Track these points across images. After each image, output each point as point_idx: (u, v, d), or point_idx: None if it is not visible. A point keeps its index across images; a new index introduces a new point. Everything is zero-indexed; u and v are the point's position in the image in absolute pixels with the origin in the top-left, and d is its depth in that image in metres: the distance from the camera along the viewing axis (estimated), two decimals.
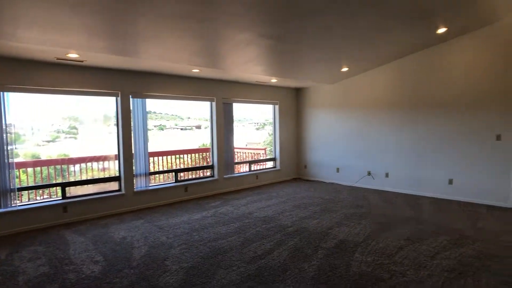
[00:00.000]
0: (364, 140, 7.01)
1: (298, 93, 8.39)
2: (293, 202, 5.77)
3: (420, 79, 6.08)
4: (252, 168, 7.76)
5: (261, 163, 8.31)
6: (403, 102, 6.35)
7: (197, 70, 5.60)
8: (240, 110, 8.37)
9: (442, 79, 5.82)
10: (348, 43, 5.01)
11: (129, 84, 5.43)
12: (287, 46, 4.81)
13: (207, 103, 6.73)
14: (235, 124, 7.26)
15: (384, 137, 6.67)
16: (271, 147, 8.37)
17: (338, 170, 7.55)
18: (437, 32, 5.07)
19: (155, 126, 10.69)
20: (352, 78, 7.15)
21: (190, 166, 7.49)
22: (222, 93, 6.80)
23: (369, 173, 6.98)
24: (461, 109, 5.62)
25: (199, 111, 9.98)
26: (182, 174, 6.52)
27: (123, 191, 5.42)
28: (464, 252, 3.46)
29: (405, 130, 6.34)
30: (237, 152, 9.43)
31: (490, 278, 2.90)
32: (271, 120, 8.21)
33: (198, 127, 14.23)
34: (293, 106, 8.40)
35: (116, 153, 5.52)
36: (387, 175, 6.68)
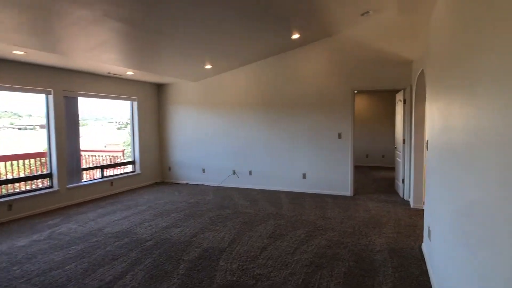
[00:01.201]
0: (230, 139, 7.00)
1: (160, 89, 7.74)
2: (154, 210, 5.17)
3: (279, 81, 6.45)
4: (107, 174, 6.70)
5: (118, 167, 7.29)
6: (264, 102, 6.61)
7: (21, 53, 4.33)
8: (98, 107, 7.13)
9: (296, 82, 6.31)
10: (211, 40, 4.79)
11: None
12: (145, 34, 4.21)
13: (42, 96, 5.36)
14: (91, 122, 6.08)
15: (248, 136, 6.81)
16: (131, 149, 7.44)
17: (204, 170, 7.32)
18: (292, 37, 5.42)
19: None
20: (217, 77, 7.03)
21: (16, 177, 5.82)
22: (63, 85, 5.54)
23: (234, 172, 7.01)
24: (311, 111, 6.22)
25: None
26: (4, 186, 4.98)
27: None
28: (319, 243, 3.70)
29: (266, 129, 6.62)
30: (89, 156, 8.05)
31: (340, 267, 3.14)
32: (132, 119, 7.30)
33: (43, 126, 11.54)
34: (154, 103, 7.70)
35: None
36: (250, 173, 6.85)
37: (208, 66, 6.20)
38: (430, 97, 3.27)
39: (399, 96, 6.01)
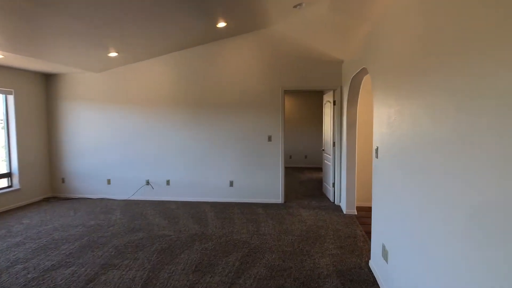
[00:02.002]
0: (143, 143, 5.88)
1: (49, 80, 6.14)
2: (35, 242, 3.84)
3: (203, 75, 5.62)
4: None
5: None
6: (185, 100, 5.70)
7: None
8: None
9: (224, 78, 5.58)
10: (116, 18, 3.71)
11: None
12: (22, 4, 2.95)
13: None
14: None
15: (165, 139, 5.81)
16: (6, 157, 5.70)
17: (109, 181, 6.04)
18: (217, 25, 4.65)
19: None
20: (128, 67, 5.83)
21: None
22: None
23: (148, 183, 5.93)
24: (240, 111, 5.56)
25: None
26: None
27: None
28: (258, 273, 3.04)
29: (187, 131, 5.73)
30: None
31: None
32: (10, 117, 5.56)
33: None
34: (41, 97, 6.06)
35: None
36: (168, 182, 5.86)
37: (113, 54, 5.01)
38: (380, 102, 2.90)
39: (328, 97, 5.78)
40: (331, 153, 5.56)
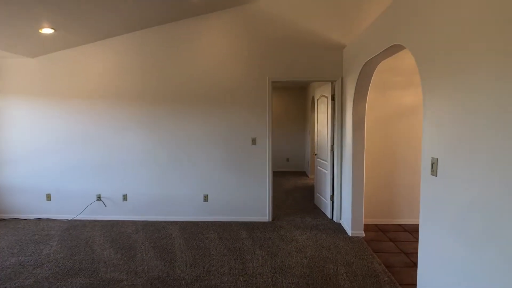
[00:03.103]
0: (93, 149, 4.60)
1: None
2: None
3: (170, 63, 4.44)
4: None
5: None
6: (147, 94, 4.49)
7: None
8: None
9: (196, 66, 4.43)
10: None
11: None
12: None
13: None
14: None
15: (122, 144, 4.57)
16: None
17: (49, 197, 4.70)
18: None
19: None
20: (70, 52, 4.52)
21: None
22: None
23: (99, 198, 4.66)
24: (216, 108, 4.45)
25: None
26: None
27: None
28: None
29: (151, 134, 4.53)
30: None
31: None
32: None
33: None
34: None
35: None
36: (125, 197, 4.62)
37: (48, 30, 3.72)
38: (441, 93, 1.92)
39: (324, 91, 4.80)
40: (328, 159, 4.58)
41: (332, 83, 4.45)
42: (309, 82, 4.45)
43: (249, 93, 4.40)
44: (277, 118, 9.11)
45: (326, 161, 4.69)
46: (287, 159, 9.17)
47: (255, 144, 4.44)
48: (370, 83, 3.68)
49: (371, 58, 3.21)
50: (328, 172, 4.62)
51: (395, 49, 2.73)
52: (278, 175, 8.36)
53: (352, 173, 3.88)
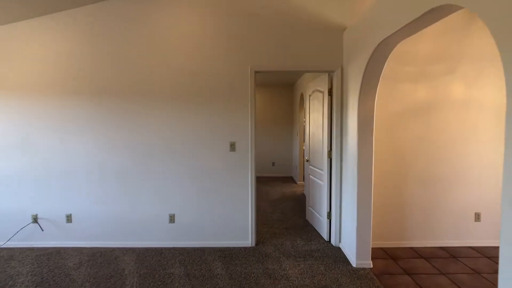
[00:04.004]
0: (29, 157, 3.58)
1: None
2: None
3: (129, 48, 3.48)
4: None
5: None
6: (99, 87, 3.51)
7: None
8: None
9: (159, 52, 3.49)
10: None
11: None
12: None
13: None
14: None
15: (65, 150, 3.57)
16: None
17: None
18: None
19: None
20: (1, 31, 3.50)
21: None
22: None
23: (35, 220, 3.64)
24: (185, 105, 3.52)
25: None
26: None
27: None
28: None
29: (101, 136, 3.55)
30: None
31: None
32: None
33: None
34: None
35: None
36: (69, 218, 3.63)
37: None
38: None
39: (318, 84, 3.95)
40: (325, 167, 3.74)
41: (329, 74, 3.61)
42: (301, 73, 3.59)
43: (226, 86, 3.50)
44: (262, 118, 8.24)
45: (322, 170, 3.84)
46: (273, 163, 8.32)
47: (234, 150, 3.54)
48: (382, 71, 2.84)
49: (388, 36, 2.37)
50: (324, 183, 3.78)
51: (432, 16, 1.89)
52: (262, 181, 7.48)
53: (358, 186, 3.04)
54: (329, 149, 3.65)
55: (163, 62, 3.47)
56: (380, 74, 2.85)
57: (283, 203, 5.50)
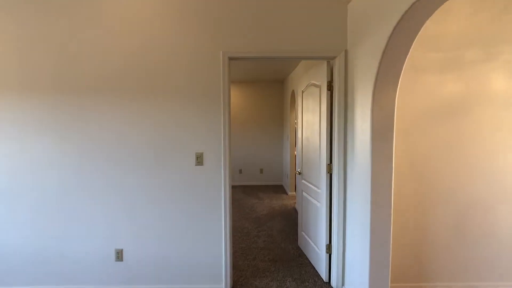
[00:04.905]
0: None
1: None
2: None
3: (56, 26, 2.55)
4: None
5: None
6: (18, 79, 2.57)
7: None
8: None
9: (101, 32, 2.56)
10: None
11: None
12: None
13: None
14: None
15: None
16: None
17: None
18: None
19: None
20: None
21: None
22: None
23: None
24: (134, 103, 2.60)
25: None
26: None
27: None
28: None
29: (19, 146, 2.60)
30: None
31: None
32: None
33: None
34: None
35: None
36: None
37: None
38: None
39: (314, 77, 3.07)
40: (323, 184, 2.85)
41: (328, 62, 2.74)
42: (291, 60, 2.70)
43: (190, 77, 2.59)
44: (247, 120, 7.34)
45: (318, 188, 2.96)
46: (261, 170, 7.42)
47: (201, 164, 2.63)
48: (408, 53, 1.97)
49: (400, 18, 1.50)
50: (321, 206, 2.90)
51: None
52: (248, 192, 6.58)
53: (371, 213, 2.16)
54: (328, 162, 2.77)
55: (107, 44, 2.55)
56: (406, 57, 1.99)
57: (270, 222, 4.61)
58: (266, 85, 7.35)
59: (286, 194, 6.42)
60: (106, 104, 2.57)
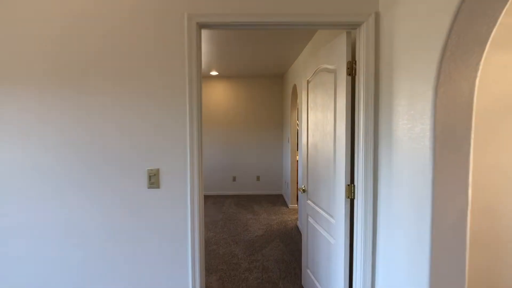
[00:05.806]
0: None
1: None
2: None
3: None
4: None
5: None
6: None
7: None
8: None
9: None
10: None
11: None
12: None
13: None
14: None
15: None
16: None
17: None
18: None
19: None
20: None
21: None
22: None
23: None
24: (59, 97, 1.71)
25: None
26: None
27: None
28: None
29: None
30: None
31: None
32: None
33: None
34: None
35: None
36: None
37: None
38: None
39: (326, 59, 2.17)
40: (339, 213, 1.96)
41: (349, 33, 1.85)
42: (292, 28, 1.81)
43: (137, 55, 1.70)
44: (242, 119, 6.46)
45: (332, 217, 2.07)
46: (258, 177, 6.53)
47: (156, 186, 1.74)
48: (508, 2, 1.09)
49: None
50: (337, 243, 2.00)
51: None
52: (242, 203, 5.70)
53: (431, 269, 1.27)
54: (348, 182, 1.88)
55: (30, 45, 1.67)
56: (504, 8, 1.10)
57: (267, 247, 3.72)
58: (263, 81, 6.46)
59: (287, 206, 5.52)
60: (14, 101, 1.69)
